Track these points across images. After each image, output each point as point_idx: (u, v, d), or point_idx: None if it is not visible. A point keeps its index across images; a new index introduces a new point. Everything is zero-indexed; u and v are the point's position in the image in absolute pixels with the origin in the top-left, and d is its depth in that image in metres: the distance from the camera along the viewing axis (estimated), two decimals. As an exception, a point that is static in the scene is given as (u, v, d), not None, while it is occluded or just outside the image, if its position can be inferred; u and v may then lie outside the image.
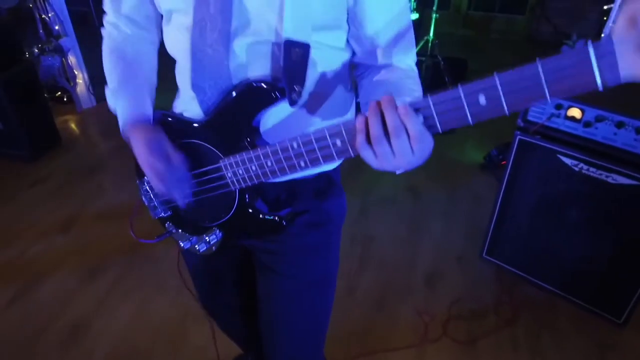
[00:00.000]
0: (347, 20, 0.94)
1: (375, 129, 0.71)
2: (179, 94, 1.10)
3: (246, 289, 1.35)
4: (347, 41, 0.99)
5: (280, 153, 0.85)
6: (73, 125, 3.96)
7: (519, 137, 1.97)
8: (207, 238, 1.11)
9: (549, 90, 0.58)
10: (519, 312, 2.16)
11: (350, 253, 2.51)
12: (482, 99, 0.63)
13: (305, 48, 0.87)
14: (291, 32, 0.86)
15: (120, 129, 1.06)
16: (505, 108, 0.62)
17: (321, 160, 0.81)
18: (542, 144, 1.93)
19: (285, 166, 0.86)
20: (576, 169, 1.88)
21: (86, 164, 3.37)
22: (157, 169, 0.97)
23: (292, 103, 0.89)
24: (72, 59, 3.95)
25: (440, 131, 0.69)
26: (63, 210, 2.89)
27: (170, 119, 1.05)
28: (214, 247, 1.11)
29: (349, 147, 0.77)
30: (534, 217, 2.11)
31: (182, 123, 1.02)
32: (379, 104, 0.71)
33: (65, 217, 2.84)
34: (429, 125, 0.69)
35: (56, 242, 2.65)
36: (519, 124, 1.96)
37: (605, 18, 2.60)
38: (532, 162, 2.00)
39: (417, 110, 0.68)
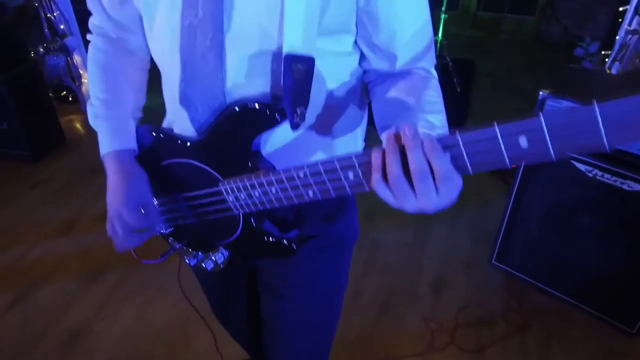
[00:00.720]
0: (356, 23, 0.84)
1: (394, 169, 0.61)
2: (167, 108, 1.01)
3: (257, 300, 1.31)
4: (355, 42, 0.88)
5: (285, 182, 0.76)
6: (78, 125, 3.95)
7: (530, 141, 1.92)
8: (213, 257, 1.05)
9: (608, 137, 0.49)
10: (528, 320, 2.12)
11: (356, 257, 2.44)
12: (523, 142, 0.53)
13: (309, 63, 0.76)
14: (293, 42, 0.75)
15: (100, 155, 0.99)
16: (552, 154, 0.53)
17: (332, 193, 0.72)
18: (555, 148, 1.88)
19: (292, 195, 0.77)
20: (590, 174, 1.83)
21: (90, 165, 3.34)
22: (125, 222, 0.95)
23: (295, 127, 0.79)
24: (77, 59, 3.94)
25: (472, 173, 0.60)
26: (64, 212, 2.87)
27: (161, 136, 0.97)
28: (221, 265, 1.06)
29: (364, 183, 0.68)
30: (545, 223, 2.06)
31: (174, 141, 0.94)
32: (397, 138, 0.61)
33: (66, 219, 2.81)
34: (457, 165, 0.60)
35: (57, 244, 2.63)
36: (531, 128, 1.91)
37: (620, 20, 2.54)
38: (544, 167, 1.95)
39: (444, 147, 0.59)
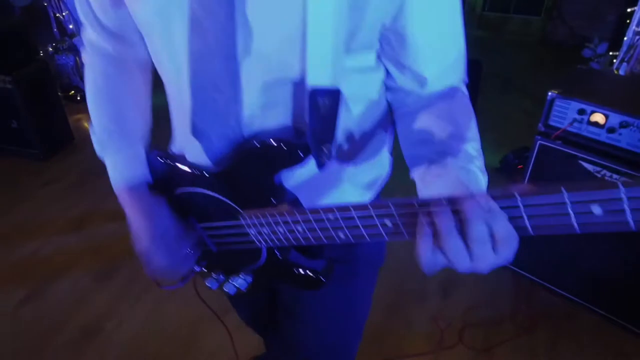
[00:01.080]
0: (380, 39, 0.76)
1: (452, 238, 0.54)
2: (176, 132, 0.93)
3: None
4: (378, 58, 0.80)
5: (313, 222, 0.69)
6: (86, 124, 3.97)
7: (539, 142, 1.93)
8: (233, 283, 1.00)
9: None
10: (536, 320, 2.12)
11: (364, 257, 2.48)
12: (597, 210, 0.48)
13: (334, 96, 0.69)
14: (317, 74, 0.67)
15: (114, 188, 0.92)
16: (632, 224, 0.47)
17: (367, 238, 0.65)
18: (564, 149, 1.89)
19: (322, 236, 0.70)
20: (598, 175, 1.83)
21: (99, 163, 3.30)
22: (159, 263, 0.89)
23: (321, 166, 0.73)
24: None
25: (533, 234, 0.53)
26: (76, 210, 2.89)
27: (173, 164, 0.90)
28: (244, 290, 1.01)
29: (405, 233, 0.61)
30: (553, 224, 2.07)
31: (189, 170, 0.88)
32: (452, 205, 0.54)
33: (78, 216, 2.83)
34: (516, 226, 0.53)
35: (69, 241, 2.65)
36: (540, 129, 1.92)
37: (628, 21, 2.55)
38: (552, 167, 1.96)
39: (502, 208, 0.53)
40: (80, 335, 2.09)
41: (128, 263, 2.44)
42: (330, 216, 0.65)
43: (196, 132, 0.80)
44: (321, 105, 0.69)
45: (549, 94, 1.86)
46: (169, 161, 0.91)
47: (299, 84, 0.71)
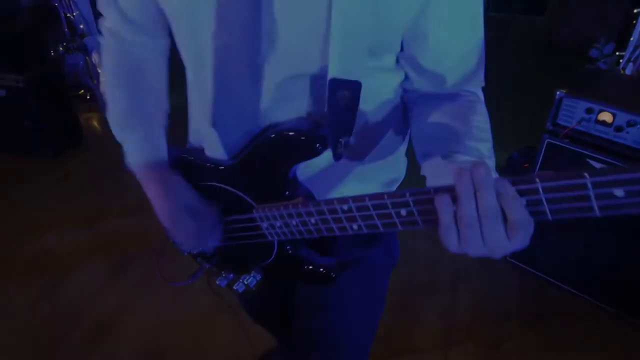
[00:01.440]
0: (401, 42, 0.76)
1: (471, 212, 0.53)
2: (194, 125, 0.94)
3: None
4: (397, 61, 0.80)
5: (327, 213, 0.69)
6: (95, 123, 4.01)
7: (547, 140, 1.96)
8: (244, 281, 1.00)
9: None
10: (543, 316, 2.15)
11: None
12: (619, 192, 0.46)
13: (355, 88, 0.69)
14: (339, 65, 0.68)
15: (128, 167, 0.91)
16: None
17: (380, 228, 0.64)
18: (571, 147, 1.92)
19: (334, 227, 0.70)
20: (605, 173, 1.86)
21: (109, 161, 3.38)
22: (187, 229, 0.87)
23: (338, 158, 0.73)
24: (95, 58, 4.00)
25: (551, 219, 0.52)
26: (88, 207, 2.93)
27: (190, 159, 0.92)
28: (253, 288, 1.01)
29: (419, 221, 0.60)
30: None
31: (205, 164, 0.88)
32: (472, 175, 0.53)
33: (90, 213, 2.87)
34: (534, 211, 0.52)
35: (81, 238, 2.68)
36: (548, 127, 1.95)
37: (634, 22, 2.58)
38: (560, 165, 1.98)
39: (520, 192, 0.52)
40: (94, 330, 2.11)
41: (140, 258, 2.46)
42: (345, 207, 0.66)
43: (215, 123, 0.81)
44: (340, 97, 0.69)
45: (557, 93, 1.89)
46: (184, 155, 0.93)
47: (319, 77, 0.72)
